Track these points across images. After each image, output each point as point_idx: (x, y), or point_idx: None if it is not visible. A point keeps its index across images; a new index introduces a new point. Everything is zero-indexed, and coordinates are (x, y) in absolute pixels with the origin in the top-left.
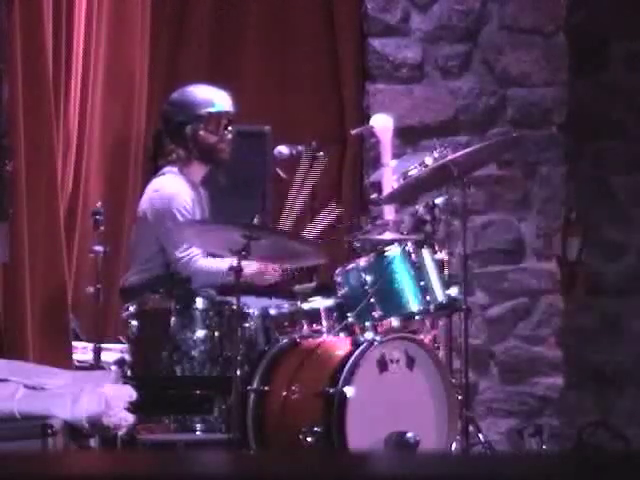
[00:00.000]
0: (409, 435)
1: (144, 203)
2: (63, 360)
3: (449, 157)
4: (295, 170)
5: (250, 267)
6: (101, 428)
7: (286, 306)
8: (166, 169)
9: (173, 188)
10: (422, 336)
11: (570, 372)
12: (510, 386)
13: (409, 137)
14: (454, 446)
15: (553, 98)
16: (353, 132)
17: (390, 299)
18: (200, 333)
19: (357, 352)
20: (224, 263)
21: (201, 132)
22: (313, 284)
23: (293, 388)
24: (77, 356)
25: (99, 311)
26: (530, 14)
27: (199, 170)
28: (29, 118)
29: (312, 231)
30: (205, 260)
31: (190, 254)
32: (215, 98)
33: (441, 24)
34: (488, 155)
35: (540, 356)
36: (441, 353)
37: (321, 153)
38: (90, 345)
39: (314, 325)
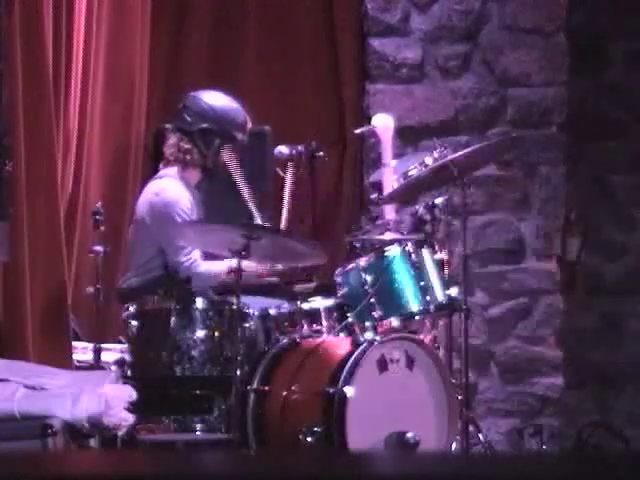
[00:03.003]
0: (409, 435)
1: (143, 206)
2: (63, 360)
3: (449, 157)
4: (295, 170)
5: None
6: (101, 428)
7: (286, 306)
8: (164, 171)
9: (174, 192)
10: (422, 336)
11: (570, 372)
12: (510, 386)
13: (409, 137)
14: (454, 446)
15: (553, 98)
16: (357, 131)
17: (390, 299)
18: (200, 333)
19: (357, 352)
20: (224, 265)
21: (224, 150)
22: (313, 284)
23: (293, 388)
24: (77, 356)
25: (99, 311)
26: (530, 14)
27: (196, 175)
28: (29, 118)
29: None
30: (206, 263)
31: (191, 258)
32: (247, 126)
33: (441, 24)
34: (488, 155)
35: (540, 356)
36: (441, 353)
37: (321, 153)
38: (90, 345)
39: (314, 325)
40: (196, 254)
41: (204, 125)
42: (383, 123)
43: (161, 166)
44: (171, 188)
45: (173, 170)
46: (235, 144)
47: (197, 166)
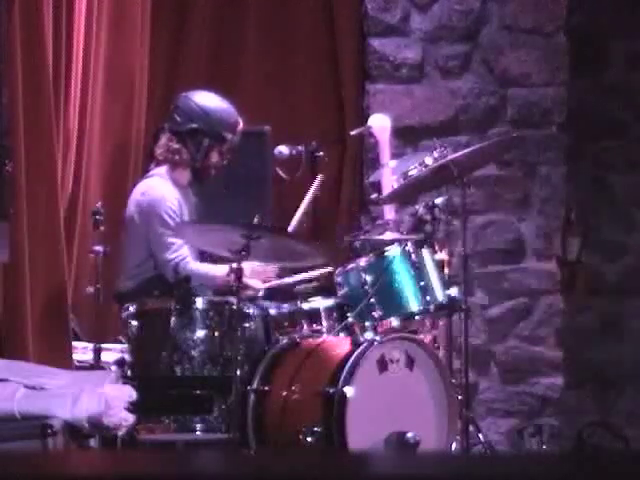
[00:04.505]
0: (409, 435)
1: (131, 206)
2: (63, 360)
3: (449, 157)
4: (295, 170)
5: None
6: (101, 428)
7: (286, 306)
8: (153, 171)
9: (159, 191)
10: (422, 336)
11: (570, 372)
12: (510, 386)
13: (409, 137)
14: (454, 446)
15: (553, 98)
16: (352, 133)
17: (390, 299)
18: (200, 333)
19: (357, 352)
20: (215, 268)
21: (214, 151)
22: (313, 284)
23: (293, 388)
24: (77, 356)
25: (99, 311)
26: (530, 14)
27: (186, 175)
28: (29, 118)
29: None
30: (195, 264)
31: (180, 255)
32: (238, 127)
33: (441, 24)
34: (488, 155)
35: (540, 356)
36: (441, 353)
37: (321, 153)
38: (90, 345)
39: (314, 325)
40: (185, 252)
41: (193, 125)
42: (379, 123)
43: (152, 166)
44: (157, 187)
45: (162, 169)
46: (225, 144)
47: (186, 166)
